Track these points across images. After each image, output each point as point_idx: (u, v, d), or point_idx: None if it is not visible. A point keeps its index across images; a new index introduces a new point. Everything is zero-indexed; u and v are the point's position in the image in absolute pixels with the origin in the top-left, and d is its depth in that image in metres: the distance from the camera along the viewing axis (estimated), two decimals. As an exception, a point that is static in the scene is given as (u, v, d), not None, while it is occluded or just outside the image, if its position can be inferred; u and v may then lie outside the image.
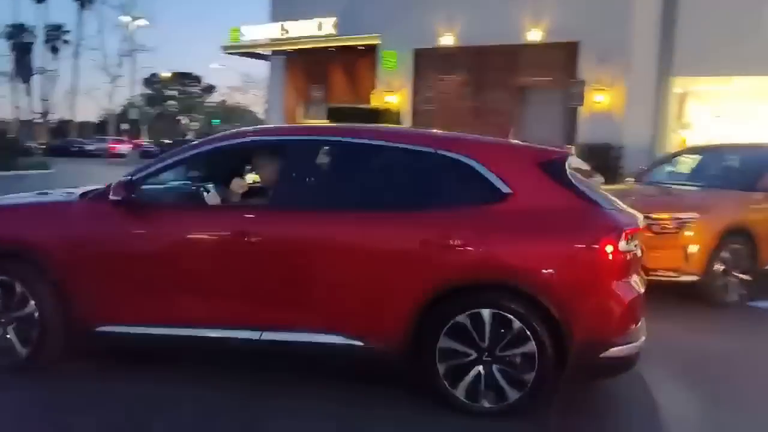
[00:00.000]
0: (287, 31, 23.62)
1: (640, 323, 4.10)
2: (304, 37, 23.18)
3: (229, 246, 4.19)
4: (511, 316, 3.83)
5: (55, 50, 59.19)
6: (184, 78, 73.45)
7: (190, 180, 5.21)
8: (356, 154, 4.42)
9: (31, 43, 58.10)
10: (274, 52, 25.24)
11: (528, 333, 3.81)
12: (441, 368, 3.94)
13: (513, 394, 3.88)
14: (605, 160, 14.90)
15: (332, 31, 22.59)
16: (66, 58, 59.53)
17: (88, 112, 67.57)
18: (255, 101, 69.90)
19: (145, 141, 49.91)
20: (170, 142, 48.44)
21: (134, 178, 4.33)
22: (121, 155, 39.61)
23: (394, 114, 19.05)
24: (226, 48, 25.81)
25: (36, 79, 58.12)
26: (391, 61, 20.28)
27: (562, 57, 17.52)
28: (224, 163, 5.11)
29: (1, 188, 10.45)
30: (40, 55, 58.20)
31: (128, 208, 4.27)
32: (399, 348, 3.99)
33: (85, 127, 63.82)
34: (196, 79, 74.76)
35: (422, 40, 19.62)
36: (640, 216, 4.30)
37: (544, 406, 4.01)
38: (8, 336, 4.36)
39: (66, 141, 50.47)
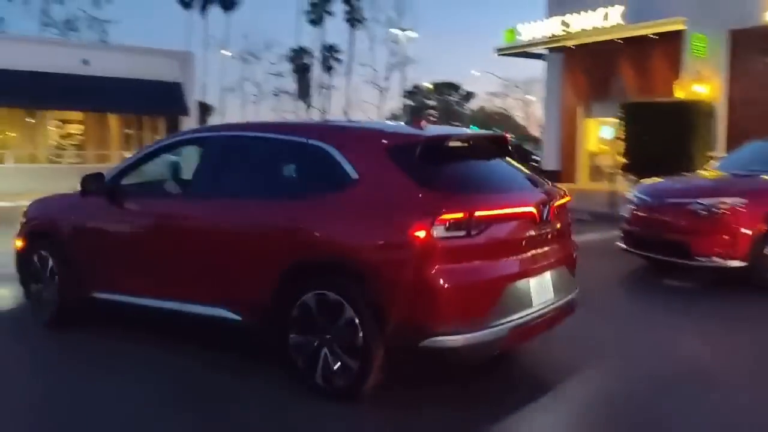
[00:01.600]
0: (568, 26, 21.99)
1: (490, 313, 3.90)
2: (588, 30, 21.36)
3: (151, 229, 5.03)
4: (342, 300, 3.95)
5: (329, 69, 63.79)
6: (444, 87, 74.97)
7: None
8: (232, 146, 5.00)
9: (310, 64, 63.25)
10: (551, 50, 23.78)
11: (354, 316, 3.90)
12: (290, 343, 4.18)
13: (341, 377, 3.98)
14: None
15: (619, 20, 20.53)
16: (339, 75, 63.71)
17: (357, 124, 71.96)
18: (515, 105, 69.05)
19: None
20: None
21: (108, 175, 5.38)
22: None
23: (706, 106, 16.38)
24: (500, 50, 24.87)
25: (315, 96, 63.14)
26: (702, 47, 17.56)
27: None
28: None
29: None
30: (317, 74, 63.14)
31: (101, 199, 5.28)
32: (265, 324, 4.34)
33: (355, 139, 67.80)
34: (456, 88, 75.87)
35: (740, 19, 16.72)
36: (514, 202, 4.21)
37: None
38: (47, 296, 5.56)
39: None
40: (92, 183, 5.31)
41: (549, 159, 24.95)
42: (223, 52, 58.75)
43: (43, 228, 5.75)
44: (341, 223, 4.08)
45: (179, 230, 4.82)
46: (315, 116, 62.20)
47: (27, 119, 21.16)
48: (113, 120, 21.22)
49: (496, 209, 4.05)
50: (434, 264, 3.75)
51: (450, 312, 3.78)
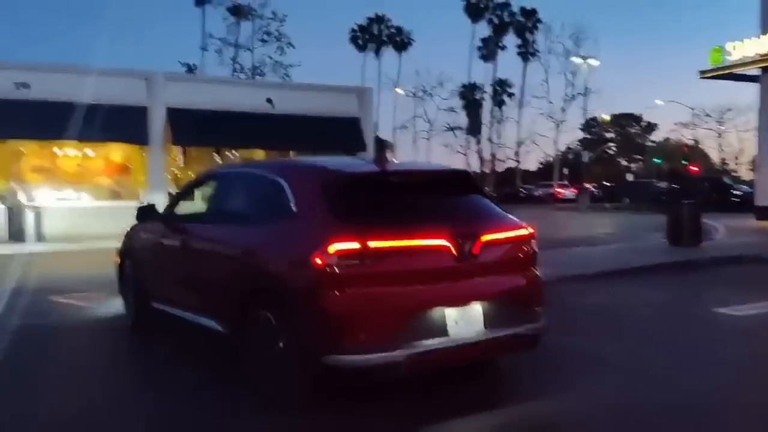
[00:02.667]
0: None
1: (390, 338, 4.11)
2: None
3: (171, 250, 6.02)
4: (271, 317, 4.47)
5: (501, 103, 62.53)
6: (623, 118, 70.84)
7: None
8: (227, 181, 5.87)
9: (481, 100, 62.42)
10: (765, 70, 20.89)
11: (280, 334, 4.40)
12: (245, 353, 4.76)
13: (281, 386, 4.43)
14: None
15: None
16: (512, 109, 62.22)
17: (531, 158, 69.55)
18: (707, 136, 63.32)
19: (589, 185, 48.38)
20: (611, 184, 46.62)
21: (163, 209, 6.67)
22: (570, 200, 38.67)
23: None
24: (703, 72, 22.32)
25: (486, 131, 62.05)
26: None
27: None
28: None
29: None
30: (489, 108, 62.09)
31: (152, 225, 6.53)
32: (235, 335, 4.90)
33: (526, 174, 65.72)
34: (636, 119, 71.39)
35: None
36: (411, 235, 4.35)
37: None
38: (130, 305, 6.92)
39: (514, 187, 52.16)
40: (143, 213, 6.57)
41: (763, 193, 21.75)
42: (396, 90, 59.59)
43: (127, 248, 7.07)
44: (278, 251, 4.62)
45: (187, 251, 5.69)
46: (486, 151, 61.07)
47: (214, 157, 21.99)
48: (294, 156, 21.49)
49: (396, 241, 4.26)
50: (328, 290, 4.16)
51: (343, 333, 4.14)
